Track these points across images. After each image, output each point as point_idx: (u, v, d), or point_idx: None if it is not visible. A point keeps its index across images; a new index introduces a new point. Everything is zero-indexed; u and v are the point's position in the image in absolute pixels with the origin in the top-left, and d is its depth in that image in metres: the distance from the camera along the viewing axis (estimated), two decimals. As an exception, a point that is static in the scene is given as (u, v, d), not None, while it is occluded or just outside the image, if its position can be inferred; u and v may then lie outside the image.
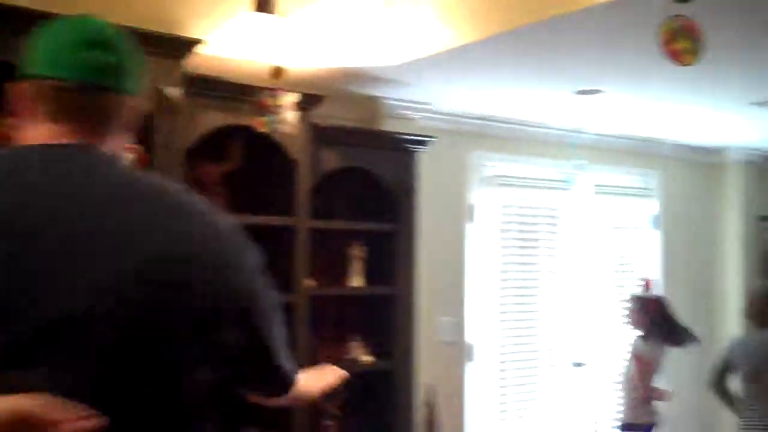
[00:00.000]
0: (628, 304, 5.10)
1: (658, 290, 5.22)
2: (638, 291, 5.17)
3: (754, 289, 5.18)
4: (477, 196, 5.17)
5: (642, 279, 5.34)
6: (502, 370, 5.29)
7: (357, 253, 4.26)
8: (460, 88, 4.41)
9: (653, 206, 6.17)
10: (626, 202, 6.04)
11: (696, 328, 6.17)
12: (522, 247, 5.41)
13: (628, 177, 6.03)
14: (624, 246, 6.05)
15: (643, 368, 4.86)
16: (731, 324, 6.45)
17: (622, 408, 5.07)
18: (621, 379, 5.13)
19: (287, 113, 3.37)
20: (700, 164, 6.52)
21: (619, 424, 5.05)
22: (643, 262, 6.11)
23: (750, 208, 6.59)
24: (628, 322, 5.06)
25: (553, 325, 5.57)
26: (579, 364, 5.63)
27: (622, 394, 5.09)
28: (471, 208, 5.14)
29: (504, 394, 5.29)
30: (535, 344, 5.50)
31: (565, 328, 5.60)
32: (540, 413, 5.48)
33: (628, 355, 5.03)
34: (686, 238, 6.39)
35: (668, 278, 6.15)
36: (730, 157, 6.53)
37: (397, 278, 4.29)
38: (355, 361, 4.19)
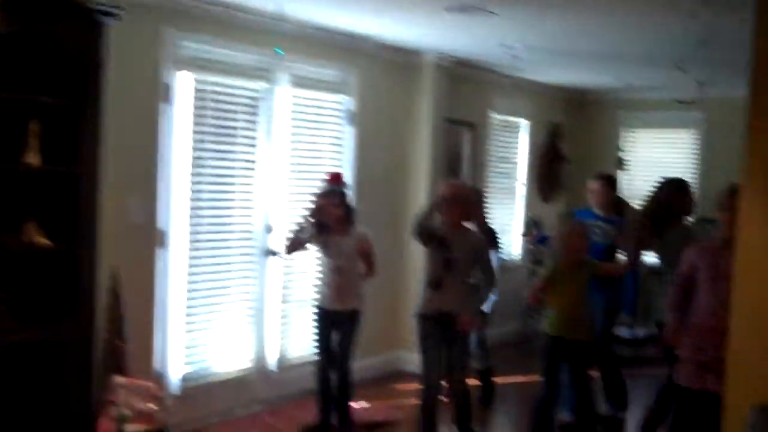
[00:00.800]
0: (318, 197, 5.12)
1: (346, 184, 5.30)
2: (326, 184, 5.23)
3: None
4: (173, 77, 4.95)
5: (329, 173, 5.42)
6: (195, 257, 5.21)
7: (33, 128, 3.91)
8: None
9: (349, 102, 6.28)
10: (323, 97, 6.09)
11: (387, 222, 6.54)
12: (218, 134, 5.28)
13: (327, 71, 6.07)
14: (320, 140, 6.13)
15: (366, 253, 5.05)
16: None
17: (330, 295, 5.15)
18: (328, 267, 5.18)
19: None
20: (398, 64, 6.73)
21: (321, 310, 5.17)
22: (337, 157, 6.24)
23: (439, 110, 6.94)
24: (315, 214, 5.10)
25: (248, 214, 5.55)
26: (272, 253, 5.68)
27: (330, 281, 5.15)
28: (166, 89, 4.92)
29: (196, 281, 5.22)
30: (230, 232, 5.46)
31: (259, 218, 5.61)
32: (232, 300, 5.49)
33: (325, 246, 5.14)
34: (380, 136, 6.61)
35: (361, 174, 6.35)
36: (425, 59, 6.80)
37: (80, 157, 4.01)
38: (31, 244, 3.90)
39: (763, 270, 3.00)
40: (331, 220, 5.02)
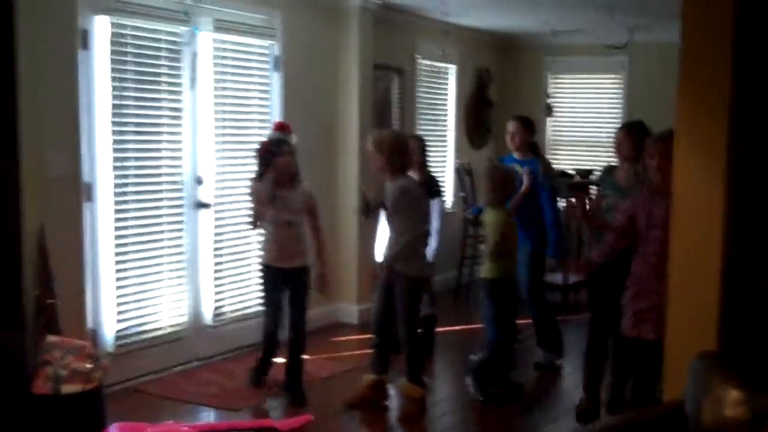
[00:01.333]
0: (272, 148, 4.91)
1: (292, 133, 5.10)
2: (273, 133, 5.08)
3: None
4: (90, 22, 4.72)
5: (275, 122, 5.27)
6: (123, 210, 5.02)
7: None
8: None
9: (275, 47, 6.11)
10: (248, 41, 5.91)
11: (318, 170, 6.43)
12: (140, 81, 5.08)
13: (251, 15, 5.88)
14: (246, 86, 5.97)
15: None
16: (351, 167, 6.75)
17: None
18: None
19: None
20: (324, 8, 6.57)
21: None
22: (265, 104, 6.08)
23: (367, 55, 6.83)
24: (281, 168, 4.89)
25: (176, 164, 5.38)
26: (203, 205, 5.53)
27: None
28: (84, 35, 4.69)
29: (125, 235, 5.04)
30: (158, 184, 5.28)
31: (188, 168, 5.44)
32: (164, 254, 5.33)
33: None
34: (308, 83, 6.46)
35: (289, 120, 6.20)
36: (351, 3, 6.65)
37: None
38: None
39: (699, 217, 3.00)
40: (288, 172, 4.86)
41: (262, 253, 5.13)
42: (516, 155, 5.80)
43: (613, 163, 5.06)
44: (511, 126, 5.82)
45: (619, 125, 8.66)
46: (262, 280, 5.09)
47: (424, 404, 4.89)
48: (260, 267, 5.11)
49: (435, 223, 5.89)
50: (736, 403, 2.51)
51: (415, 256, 4.82)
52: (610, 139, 8.78)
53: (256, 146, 5.09)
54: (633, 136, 4.66)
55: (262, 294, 5.12)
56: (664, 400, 3.01)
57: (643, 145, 4.29)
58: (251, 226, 5.11)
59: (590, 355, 4.84)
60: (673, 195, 3.19)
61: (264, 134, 5.96)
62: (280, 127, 5.01)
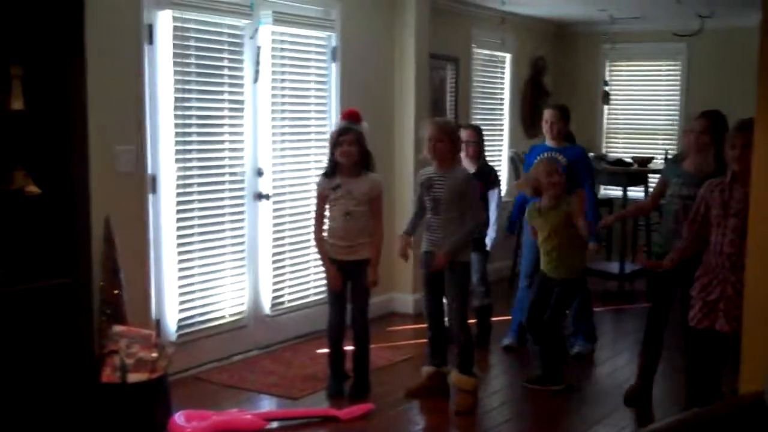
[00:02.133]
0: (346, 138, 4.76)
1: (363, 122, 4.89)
2: (341, 122, 4.95)
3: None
4: (154, 16, 4.78)
5: (344, 110, 5.17)
6: (186, 202, 5.09)
7: (15, 72, 3.75)
8: None
9: (332, 38, 6.13)
10: (306, 33, 5.93)
11: (378, 163, 6.44)
12: (203, 75, 5.13)
13: (309, 6, 5.90)
14: (304, 78, 5.99)
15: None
16: (407, 156, 6.75)
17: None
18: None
19: None
20: (379, -1, 6.58)
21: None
22: (323, 95, 6.10)
23: (423, 45, 6.80)
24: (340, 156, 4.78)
25: (237, 156, 5.43)
26: (263, 196, 5.58)
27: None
28: (149, 29, 4.75)
29: (188, 227, 5.11)
30: (220, 175, 5.34)
31: (250, 160, 5.49)
32: (225, 244, 5.39)
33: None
34: (364, 73, 6.46)
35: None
36: (408, -7, 6.64)
37: (67, 101, 3.86)
38: (20, 192, 3.77)
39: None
40: (348, 160, 4.75)
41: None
42: (551, 143, 5.76)
43: (677, 152, 4.99)
44: (550, 115, 5.76)
45: (676, 112, 8.69)
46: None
47: (477, 396, 4.88)
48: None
49: (494, 213, 5.88)
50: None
51: (468, 242, 4.84)
52: (669, 127, 8.84)
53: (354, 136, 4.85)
54: (711, 124, 4.58)
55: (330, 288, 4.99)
56: (742, 392, 2.96)
57: (720, 135, 4.26)
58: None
59: (646, 346, 4.81)
60: (751, 184, 3.13)
61: (323, 124, 6.03)
62: (348, 116, 4.86)
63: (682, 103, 8.69)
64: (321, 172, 4.99)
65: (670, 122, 8.91)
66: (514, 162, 8.08)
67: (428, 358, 5.00)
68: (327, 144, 5.01)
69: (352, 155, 4.75)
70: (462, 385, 4.84)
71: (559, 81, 9.22)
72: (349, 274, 4.90)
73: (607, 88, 8.86)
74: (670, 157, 5.28)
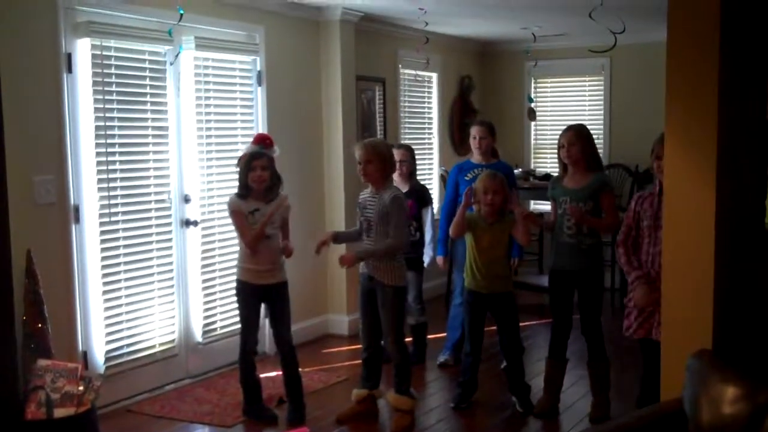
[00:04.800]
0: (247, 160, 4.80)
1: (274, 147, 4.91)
2: (252, 147, 4.97)
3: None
4: (73, 45, 4.70)
5: (256, 134, 5.18)
6: (110, 231, 4.99)
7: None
8: None
9: (257, 62, 6.11)
10: (230, 58, 5.90)
11: (304, 184, 6.45)
12: (125, 102, 5.06)
13: (232, 31, 5.88)
14: (230, 102, 5.95)
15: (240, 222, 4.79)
16: (336, 178, 6.75)
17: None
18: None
19: None
20: (304, 21, 6.57)
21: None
22: (249, 119, 6.07)
23: (349, 67, 6.83)
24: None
25: (163, 183, 5.36)
26: (191, 223, 5.52)
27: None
28: (68, 58, 4.67)
29: (114, 256, 5.02)
30: (146, 203, 5.26)
31: (176, 187, 5.43)
32: (153, 272, 5.30)
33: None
34: (291, 96, 6.45)
35: (273, 135, 6.17)
36: (331, 15, 6.66)
37: (-19, 132, 3.77)
38: (-66, 227, 3.66)
39: (689, 215, 3.00)
40: (261, 185, 4.75)
41: (237, 269, 4.92)
42: (478, 159, 5.82)
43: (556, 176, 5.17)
44: (478, 131, 5.84)
45: (600, 125, 8.87)
46: (240, 298, 4.90)
47: (414, 416, 4.87)
48: (238, 283, 4.90)
49: (429, 233, 5.91)
50: (734, 400, 2.52)
51: (402, 266, 4.82)
52: (594, 140, 8.99)
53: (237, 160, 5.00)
54: (576, 135, 4.88)
55: (239, 312, 4.94)
56: (662, 400, 3.01)
57: (588, 144, 4.75)
58: (248, 248, 4.79)
59: (551, 358, 4.96)
60: (663, 193, 3.20)
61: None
62: (260, 140, 4.89)
63: (606, 116, 8.87)
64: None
65: (596, 135, 9.04)
66: (445, 180, 8.14)
67: (361, 381, 4.99)
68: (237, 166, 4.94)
69: (264, 180, 4.76)
70: (399, 405, 4.83)
71: (486, 99, 9.34)
72: (270, 298, 4.86)
73: (532, 105, 9.00)
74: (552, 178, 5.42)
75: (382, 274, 4.73)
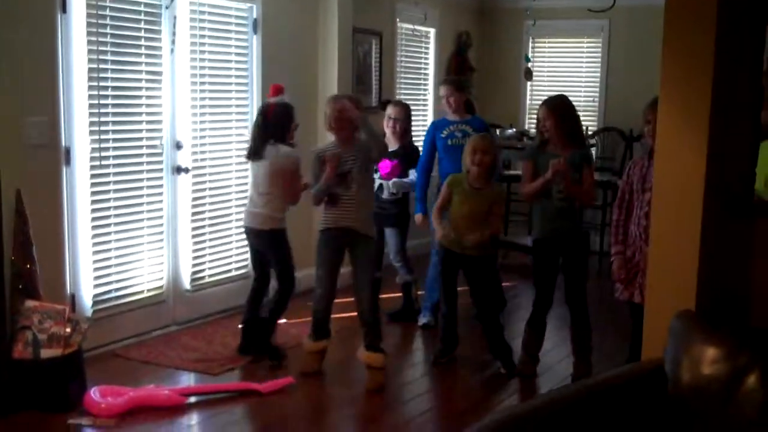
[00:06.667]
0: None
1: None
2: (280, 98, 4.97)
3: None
4: (67, -17, 4.65)
5: (272, 85, 5.14)
6: (101, 175, 4.97)
7: None
8: None
9: (253, 10, 6.04)
10: (226, 4, 5.84)
11: (301, 134, 6.40)
12: (119, 45, 5.01)
13: (229, -23, 5.82)
14: (224, 50, 5.90)
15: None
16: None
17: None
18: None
19: None
20: (301, -29, 6.50)
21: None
22: (243, 68, 6.03)
23: (346, 18, 6.76)
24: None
25: (155, 128, 5.33)
26: (183, 169, 5.50)
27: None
28: (60, -3, 4.63)
29: (104, 200, 5.00)
30: (138, 148, 5.24)
31: (168, 133, 5.40)
32: (143, 218, 5.30)
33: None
34: (286, 46, 6.39)
35: (268, 84, 6.15)
36: (329, -35, 6.58)
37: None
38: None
39: (679, 178, 3.01)
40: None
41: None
42: (453, 117, 5.77)
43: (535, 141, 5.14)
44: (444, 90, 5.79)
45: (596, 89, 8.83)
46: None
47: (385, 372, 4.80)
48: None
49: (418, 192, 5.87)
50: (715, 360, 2.55)
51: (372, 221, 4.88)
52: (590, 104, 8.99)
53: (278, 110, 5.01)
54: (554, 107, 4.76)
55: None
56: (643, 359, 3.04)
57: (567, 115, 4.65)
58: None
59: (532, 320, 4.97)
60: (654, 157, 3.21)
61: (244, 97, 5.97)
62: (277, 91, 4.99)
63: (603, 79, 8.85)
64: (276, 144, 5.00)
65: (591, 99, 9.05)
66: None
67: (315, 333, 4.90)
68: (255, 117, 5.07)
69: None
70: (371, 362, 4.73)
71: (482, 56, 9.28)
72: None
73: (529, 65, 8.95)
74: (530, 142, 5.38)
75: (367, 226, 4.74)
